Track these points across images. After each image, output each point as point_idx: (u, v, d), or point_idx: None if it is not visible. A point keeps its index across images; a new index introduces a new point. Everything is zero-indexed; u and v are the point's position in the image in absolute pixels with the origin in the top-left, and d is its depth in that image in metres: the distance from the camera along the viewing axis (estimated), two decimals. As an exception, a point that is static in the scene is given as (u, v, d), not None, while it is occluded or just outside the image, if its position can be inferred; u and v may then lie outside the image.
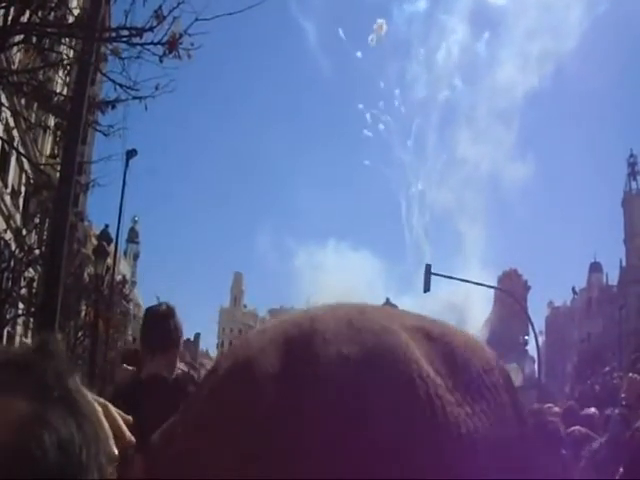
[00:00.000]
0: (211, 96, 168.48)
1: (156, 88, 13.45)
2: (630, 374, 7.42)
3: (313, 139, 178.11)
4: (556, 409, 10.18)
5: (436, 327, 0.59)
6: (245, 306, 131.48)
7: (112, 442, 0.78)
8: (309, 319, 0.57)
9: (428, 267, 37.24)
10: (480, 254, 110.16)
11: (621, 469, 4.60)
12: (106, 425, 0.81)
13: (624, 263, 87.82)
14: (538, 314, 65.93)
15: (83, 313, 35.13)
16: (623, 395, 6.86)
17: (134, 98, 12.71)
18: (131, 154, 24.37)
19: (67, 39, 13.16)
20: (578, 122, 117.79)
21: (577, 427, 6.55)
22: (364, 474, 0.49)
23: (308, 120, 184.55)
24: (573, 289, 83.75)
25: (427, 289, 37.43)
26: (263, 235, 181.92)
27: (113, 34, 11.92)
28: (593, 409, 9.07)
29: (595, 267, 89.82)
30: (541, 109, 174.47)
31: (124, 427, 0.85)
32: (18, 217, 31.46)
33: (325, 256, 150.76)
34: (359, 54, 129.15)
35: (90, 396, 0.79)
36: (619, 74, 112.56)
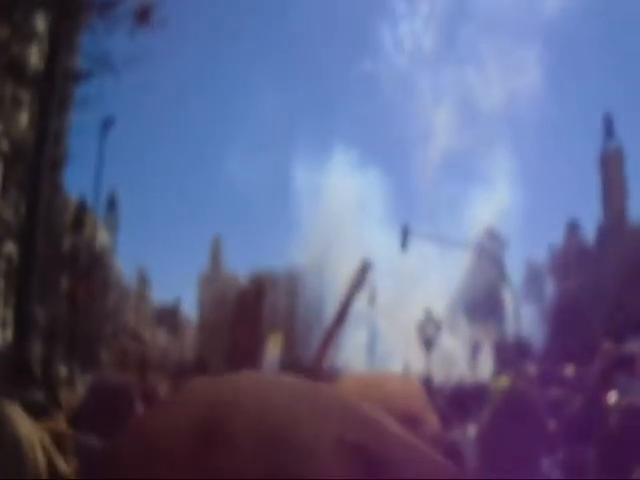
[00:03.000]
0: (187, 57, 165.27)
1: (127, 61, 13.37)
2: (605, 343, 7.46)
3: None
4: (532, 369, 10.35)
5: (379, 445, 0.54)
6: (225, 271, 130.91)
7: (43, 475, 0.80)
8: (226, 408, 0.54)
9: (405, 228, 37.38)
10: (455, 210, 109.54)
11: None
12: (39, 457, 0.82)
13: (601, 222, 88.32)
14: (515, 272, 66.07)
15: (63, 284, 35.05)
16: (597, 366, 6.91)
17: (107, 70, 12.64)
18: (108, 123, 24.25)
19: (39, 12, 13.06)
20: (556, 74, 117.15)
21: (554, 389, 6.62)
22: None
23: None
24: (550, 248, 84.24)
25: (404, 248, 37.62)
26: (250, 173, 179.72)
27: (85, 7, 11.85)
28: (570, 369, 9.20)
29: (572, 226, 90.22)
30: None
31: (58, 461, 0.86)
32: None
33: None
34: None
35: (27, 427, 0.80)
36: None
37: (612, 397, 4.87)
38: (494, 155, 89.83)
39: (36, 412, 2.80)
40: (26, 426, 2.56)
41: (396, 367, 49.55)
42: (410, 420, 1.25)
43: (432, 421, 1.37)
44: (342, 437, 0.52)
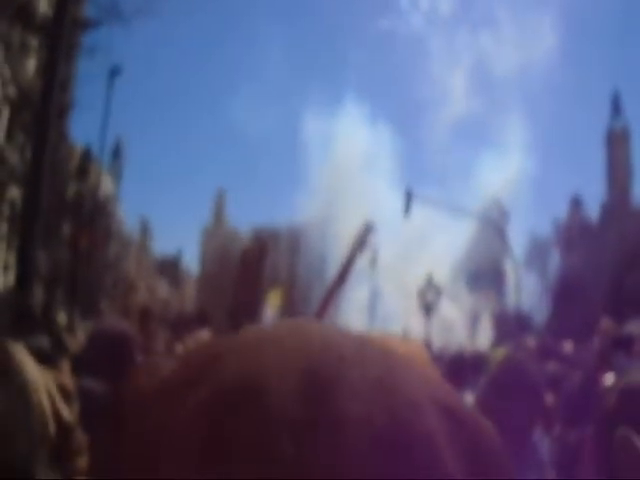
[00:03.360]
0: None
1: (136, 11, 13.30)
2: (604, 320, 7.45)
3: None
4: (531, 342, 10.36)
5: (462, 408, 0.55)
6: (228, 225, 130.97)
7: (48, 420, 0.78)
8: (337, 359, 0.51)
9: (409, 192, 37.36)
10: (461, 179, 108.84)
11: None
12: (44, 402, 0.80)
13: (606, 201, 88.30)
14: (519, 244, 66.04)
15: (66, 231, 35.11)
16: (596, 345, 6.91)
17: (116, 20, 12.58)
18: (115, 72, 24.23)
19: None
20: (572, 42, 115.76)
21: (552, 363, 6.64)
22: None
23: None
24: (554, 222, 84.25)
25: (407, 212, 37.65)
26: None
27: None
28: (568, 345, 9.21)
29: (576, 202, 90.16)
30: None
31: (62, 408, 0.85)
32: (1, 136, 31.16)
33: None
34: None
35: (32, 370, 0.78)
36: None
37: (610, 377, 4.87)
38: (506, 122, 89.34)
39: (41, 358, 2.81)
40: (32, 369, 2.55)
41: (396, 330, 49.77)
42: None
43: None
44: (434, 396, 0.53)
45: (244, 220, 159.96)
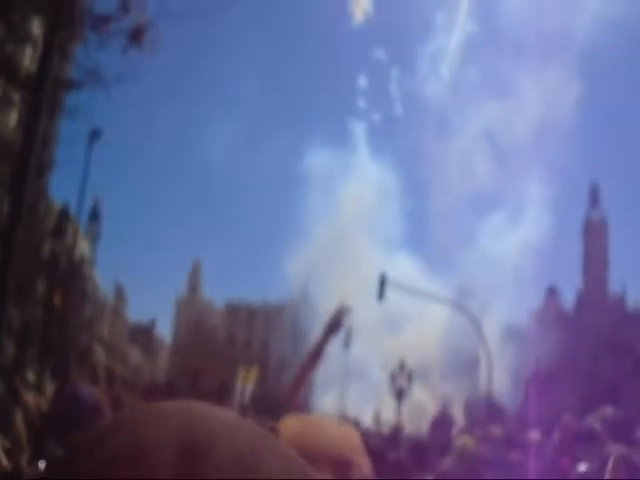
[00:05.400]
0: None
1: (119, 78, 13.52)
2: (564, 417, 7.49)
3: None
4: (497, 431, 10.30)
5: None
6: (202, 297, 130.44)
7: None
8: (210, 436, 0.58)
9: (382, 276, 37.48)
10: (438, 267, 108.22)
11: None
12: None
13: (581, 289, 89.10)
14: (491, 332, 66.15)
15: (40, 290, 34.91)
16: (557, 439, 6.93)
17: (97, 83, 12.77)
18: (96, 134, 24.46)
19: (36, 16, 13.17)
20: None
21: (515, 454, 6.61)
22: None
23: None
24: (528, 312, 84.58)
25: (381, 297, 37.70)
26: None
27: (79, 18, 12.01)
28: (535, 434, 9.16)
29: (552, 291, 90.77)
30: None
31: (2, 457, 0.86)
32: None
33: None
34: None
35: None
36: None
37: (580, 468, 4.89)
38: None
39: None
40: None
41: (367, 413, 49.33)
42: (342, 462, 1.34)
43: (363, 465, 1.42)
44: (290, 476, 0.58)
45: (219, 292, 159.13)
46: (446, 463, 5.89)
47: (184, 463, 0.55)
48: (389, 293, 39.21)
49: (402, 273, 72.22)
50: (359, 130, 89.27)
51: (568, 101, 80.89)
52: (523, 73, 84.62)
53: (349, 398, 58.15)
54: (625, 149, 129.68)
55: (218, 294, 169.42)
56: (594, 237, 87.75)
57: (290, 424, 1.49)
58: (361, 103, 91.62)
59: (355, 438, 1.49)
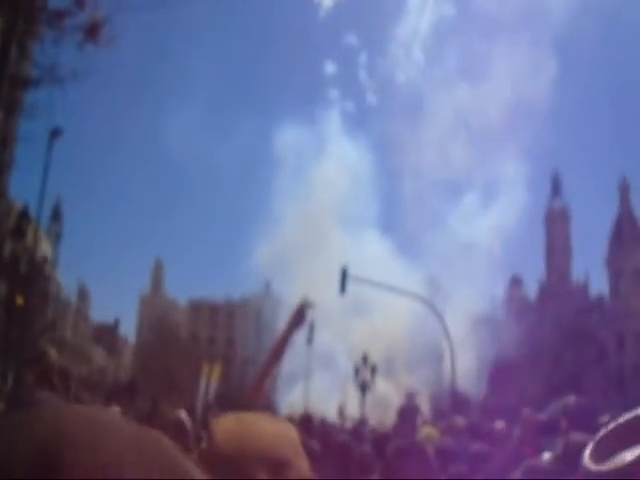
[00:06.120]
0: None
1: (74, 73, 13.36)
2: (525, 410, 7.55)
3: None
4: (461, 422, 10.34)
5: None
6: (165, 294, 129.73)
7: None
8: (68, 443, 0.57)
9: (344, 270, 37.43)
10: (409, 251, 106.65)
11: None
12: None
13: (544, 278, 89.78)
14: (456, 322, 66.42)
15: (1, 291, 34.48)
16: (518, 432, 6.99)
17: (55, 81, 12.61)
18: (55, 133, 24.18)
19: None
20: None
21: (478, 444, 6.62)
22: None
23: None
24: (492, 300, 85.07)
25: (343, 290, 37.65)
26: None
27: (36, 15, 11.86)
28: (500, 424, 9.20)
29: (516, 280, 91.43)
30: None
31: None
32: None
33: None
34: None
35: None
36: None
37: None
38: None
39: None
40: None
41: (333, 406, 49.32)
42: (279, 463, 1.31)
43: (301, 465, 1.38)
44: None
45: (182, 290, 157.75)
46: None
47: (38, 470, 0.54)
48: (356, 281, 39.16)
49: (373, 257, 72.37)
50: (331, 114, 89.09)
51: (543, 81, 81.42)
52: (497, 54, 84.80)
53: (314, 392, 58.00)
54: (599, 128, 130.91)
55: (181, 292, 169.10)
56: (556, 226, 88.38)
57: (224, 423, 1.46)
58: (332, 87, 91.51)
59: (294, 436, 1.46)
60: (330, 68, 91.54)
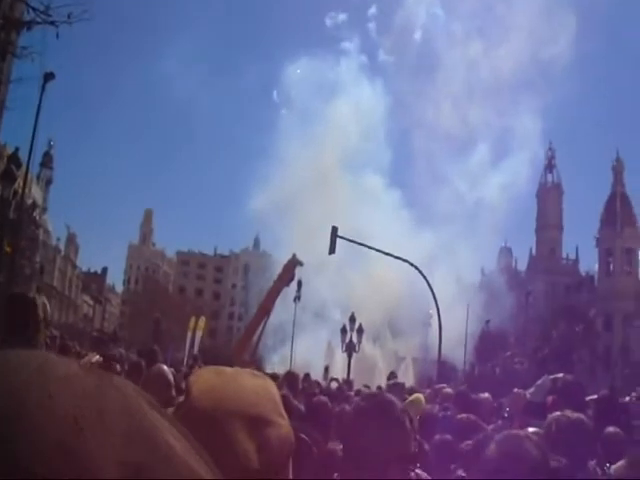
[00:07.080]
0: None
1: (68, 16, 13.05)
2: (515, 390, 7.46)
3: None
4: (448, 390, 10.21)
5: (158, 465, 0.54)
6: (154, 244, 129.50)
7: None
8: (48, 397, 0.53)
9: (334, 229, 37.12)
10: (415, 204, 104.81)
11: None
12: None
13: (534, 251, 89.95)
14: (445, 290, 66.42)
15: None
16: (507, 408, 6.89)
17: (48, 23, 12.31)
18: (48, 77, 23.89)
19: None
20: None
21: (466, 415, 6.49)
22: None
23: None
24: (482, 270, 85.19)
25: (332, 251, 37.38)
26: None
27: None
28: (486, 394, 9.11)
29: (505, 251, 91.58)
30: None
31: None
32: None
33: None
34: None
35: None
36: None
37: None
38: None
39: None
40: None
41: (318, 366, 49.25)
42: (258, 420, 1.27)
43: (282, 423, 1.31)
44: (125, 459, 0.51)
45: (171, 241, 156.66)
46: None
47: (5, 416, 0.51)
48: (345, 242, 38.96)
49: (376, 208, 72.01)
50: (342, 60, 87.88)
51: (563, 37, 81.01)
52: (516, 8, 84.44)
53: (305, 348, 57.87)
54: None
55: (170, 243, 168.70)
56: (549, 200, 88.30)
57: (203, 376, 1.37)
58: (344, 37, 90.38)
59: (275, 393, 1.38)
60: (344, 17, 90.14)
